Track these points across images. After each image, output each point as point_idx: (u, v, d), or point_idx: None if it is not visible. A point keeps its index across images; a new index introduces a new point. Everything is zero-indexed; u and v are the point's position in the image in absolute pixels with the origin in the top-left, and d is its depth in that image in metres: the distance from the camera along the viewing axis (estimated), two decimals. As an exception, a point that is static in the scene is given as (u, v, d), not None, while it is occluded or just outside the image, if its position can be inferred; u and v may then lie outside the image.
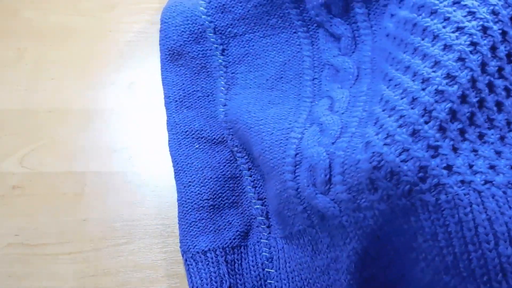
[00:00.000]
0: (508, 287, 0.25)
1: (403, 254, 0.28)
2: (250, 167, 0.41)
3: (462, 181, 0.27)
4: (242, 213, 0.40)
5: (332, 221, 0.31)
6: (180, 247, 0.39)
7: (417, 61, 0.30)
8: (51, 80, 0.48)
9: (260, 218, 0.39)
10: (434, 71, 0.29)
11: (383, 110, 0.30)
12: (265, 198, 0.40)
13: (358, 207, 0.29)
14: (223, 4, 0.44)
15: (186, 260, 0.38)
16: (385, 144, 0.28)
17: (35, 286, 0.40)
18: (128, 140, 0.45)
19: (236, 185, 0.41)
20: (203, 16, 0.44)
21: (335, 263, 0.32)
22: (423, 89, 0.29)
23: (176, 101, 0.44)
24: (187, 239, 0.39)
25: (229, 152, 0.42)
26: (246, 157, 0.41)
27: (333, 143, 0.33)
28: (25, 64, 0.48)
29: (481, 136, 0.29)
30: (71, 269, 0.40)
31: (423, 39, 0.31)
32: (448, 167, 0.27)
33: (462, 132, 0.29)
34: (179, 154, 0.42)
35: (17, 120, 0.46)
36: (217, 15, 0.44)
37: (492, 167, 0.28)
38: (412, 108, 0.28)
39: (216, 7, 0.45)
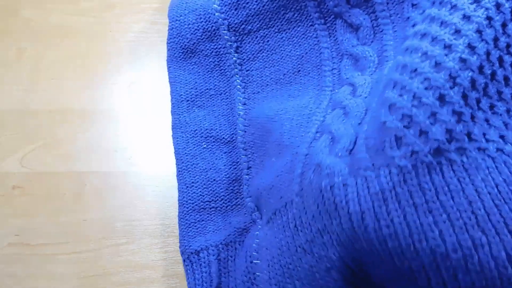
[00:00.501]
0: None
1: (412, 222, 0.27)
2: (250, 166, 0.41)
3: (479, 148, 0.28)
4: (244, 214, 0.40)
5: (332, 179, 0.30)
6: (179, 248, 0.39)
7: (436, 28, 0.31)
8: (51, 80, 0.48)
9: (255, 213, 0.39)
10: (455, 39, 0.29)
11: (401, 74, 0.30)
12: (250, 196, 0.40)
13: (371, 166, 0.29)
14: (237, 1, 0.44)
15: (184, 261, 0.38)
16: (413, 106, 0.28)
17: (35, 286, 0.40)
18: (128, 140, 0.45)
19: (240, 187, 0.41)
20: (216, 14, 0.44)
21: (321, 235, 0.31)
22: (446, 55, 0.29)
23: (188, 100, 0.43)
24: (185, 239, 0.39)
25: (236, 153, 0.42)
26: (249, 155, 0.41)
27: (359, 124, 0.33)
28: (25, 64, 0.48)
29: (491, 106, 0.30)
30: (71, 269, 0.40)
31: (439, 10, 0.31)
32: (468, 134, 0.28)
33: (478, 101, 0.29)
34: (185, 153, 0.42)
35: (17, 120, 0.46)
36: (231, 12, 0.44)
37: (502, 137, 0.29)
38: (437, 72, 0.29)
39: (229, 4, 0.44)
